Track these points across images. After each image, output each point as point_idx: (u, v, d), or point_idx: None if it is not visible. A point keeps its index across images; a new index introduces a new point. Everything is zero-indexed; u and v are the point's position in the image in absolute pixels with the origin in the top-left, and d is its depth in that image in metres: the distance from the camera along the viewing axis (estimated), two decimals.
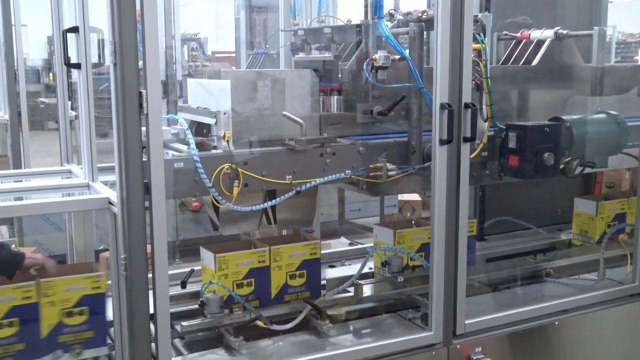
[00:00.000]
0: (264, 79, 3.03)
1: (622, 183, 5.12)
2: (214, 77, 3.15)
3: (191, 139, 2.81)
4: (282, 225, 3.44)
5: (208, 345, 3.12)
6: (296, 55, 3.71)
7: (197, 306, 3.12)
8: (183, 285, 3.22)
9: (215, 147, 2.94)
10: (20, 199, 3.26)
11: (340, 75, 3.32)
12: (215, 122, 2.93)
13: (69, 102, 4.01)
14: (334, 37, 3.53)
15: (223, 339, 3.10)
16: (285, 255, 3.24)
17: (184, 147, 2.89)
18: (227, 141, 2.85)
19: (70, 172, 3.81)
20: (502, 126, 3.31)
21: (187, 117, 3.13)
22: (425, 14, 3.19)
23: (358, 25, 3.30)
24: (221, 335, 3.11)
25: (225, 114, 2.91)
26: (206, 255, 3.17)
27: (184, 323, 3.03)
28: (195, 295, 3.26)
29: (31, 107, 7.57)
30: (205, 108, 3.07)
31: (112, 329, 2.86)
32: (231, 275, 3.12)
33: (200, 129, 3.16)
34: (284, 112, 2.98)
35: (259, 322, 3.08)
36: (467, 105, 3.02)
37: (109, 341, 2.92)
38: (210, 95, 3.10)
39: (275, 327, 3.10)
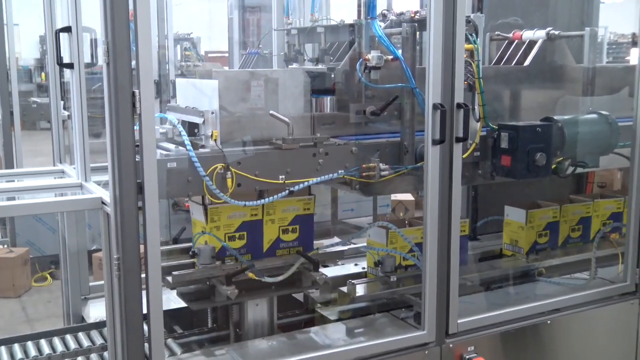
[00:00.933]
0: (256, 78, 3.03)
1: (614, 183, 5.15)
2: (206, 77, 3.15)
3: (186, 139, 2.81)
4: None
5: (201, 297, 3.11)
6: (289, 66, 3.71)
7: (188, 260, 3.10)
8: (175, 241, 3.21)
9: (203, 146, 2.93)
10: (13, 199, 3.25)
11: (333, 76, 3.33)
12: (203, 122, 2.93)
13: (62, 102, 4.00)
14: (326, 37, 3.54)
15: (215, 291, 3.08)
16: (278, 209, 3.20)
17: (172, 146, 2.89)
18: (215, 140, 2.85)
19: (62, 172, 3.81)
20: (494, 126, 3.33)
21: (175, 117, 3.12)
22: (417, 14, 3.21)
23: (351, 25, 3.31)
24: (213, 287, 3.09)
25: (213, 113, 2.91)
26: (196, 208, 3.12)
27: (175, 273, 3.00)
28: (187, 250, 3.21)
29: (23, 106, 7.55)
30: (193, 107, 3.07)
31: (106, 328, 2.85)
32: (223, 227, 3.08)
33: (190, 129, 3.16)
34: (270, 112, 2.98)
35: (251, 275, 3.06)
36: (459, 106, 3.03)
37: None
38: (200, 95, 3.10)
39: (267, 279, 3.09)
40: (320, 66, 3.46)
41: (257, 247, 3.18)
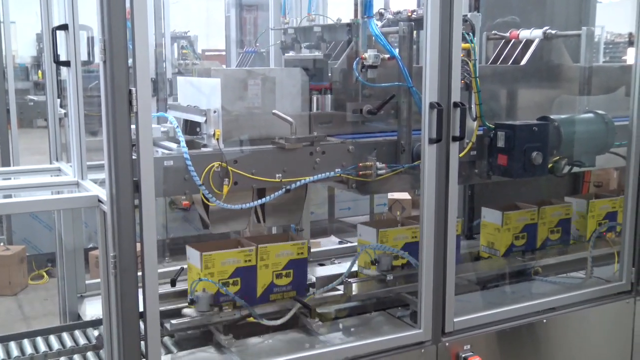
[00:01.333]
0: (254, 77, 3.03)
1: (610, 182, 5.16)
2: (204, 76, 3.15)
3: (181, 137, 2.81)
4: (269, 221, 3.44)
5: (198, 343, 3.13)
6: (286, 54, 3.71)
7: (186, 304, 3.12)
8: (172, 283, 3.22)
9: (205, 146, 2.94)
10: (9, 196, 3.25)
11: (330, 74, 3.33)
12: (205, 121, 2.93)
13: (58, 100, 3.99)
14: (324, 35, 3.54)
15: (212, 337, 3.10)
16: (272, 254, 3.24)
17: (174, 145, 2.89)
18: (217, 139, 2.85)
19: (59, 170, 3.80)
20: (491, 125, 3.33)
21: (177, 115, 3.13)
22: (414, 13, 3.21)
23: (348, 24, 3.31)
24: (210, 333, 3.11)
25: (215, 112, 2.91)
26: (192, 253, 3.16)
27: (174, 321, 3.03)
28: (184, 293, 3.25)
29: (20, 104, 7.54)
30: (195, 106, 3.07)
31: (102, 326, 2.85)
32: (217, 274, 3.11)
33: (191, 127, 3.16)
34: (273, 111, 2.98)
35: (249, 318, 3.08)
36: (456, 105, 3.04)
37: None
38: (201, 94, 3.10)
39: (266, 322, 3.10)
40: (316, 53, 3.46)
41: (251, 292, 3.20)
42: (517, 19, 4.00)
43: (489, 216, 4.04)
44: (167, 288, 3.29)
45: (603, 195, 4.42)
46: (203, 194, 2.81)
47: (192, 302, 3.06)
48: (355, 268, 3.67)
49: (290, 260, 3.28)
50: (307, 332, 3.21)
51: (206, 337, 3.15)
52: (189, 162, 2.74)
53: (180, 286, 3.31)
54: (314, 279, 3.54)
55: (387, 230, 3.55)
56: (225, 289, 3.09)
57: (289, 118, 2.96)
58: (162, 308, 2.84)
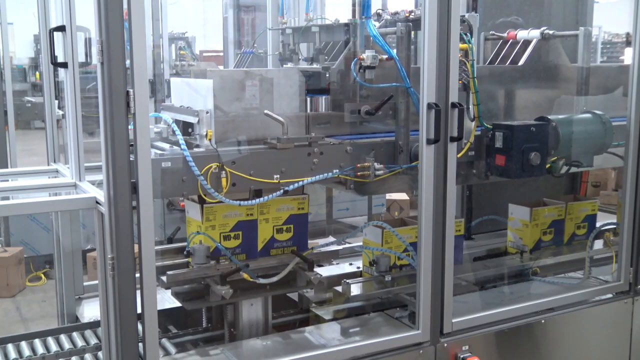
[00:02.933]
0: (251, 78, 3.02)
1: (608, 182, 5.17)
2: (201, 77, 3.15)
3: (180, 138, 2.80)
4: None
5: (195, 296, 3.11)
6: (284, 66, 3.71)
7: (183, 260, 3.10)
8: (169, 240, 3.21)
9: (197, 146, 2.93)
10: (7, 198, 3.24)
11: (327, 75, 3.33)
12: (198, 121, 2.93)
13: (56, 101, 3.99)
14: (321, 36, 3.53)
15: (209, 290, 3.08)
16: (272, 208, 3.21)
17: (166, 146, 2.88)
18: (210, 140, 2.85)
19: (57, 171, 3.80)
20: (488, 126, 3.33)
21: (170, 116, 3.12)
22: (412, 13, 3.21)
23: (346, 25, 3.31)
24: (208, 287, 3.09)
25: (207, 112, 2.91)
26: (192, 206, 3.12)
27: (170, 272, 3.00)
28: (181, 250, 3.21)
29: (17, 106, 7.52)
30: (188, 107, 3.06)
31: (100, 328, 2.85)
32: (218, 226, 3.08)
33: (184, 128, 3.15)
34: (265, 111, 2.97)
35: (245, 275, 3.06)
36: (454, 105, 3.04)
37: None
38: (195, 95, 3.10)
39: (262, 280, 3.10)
40: (315, 65, 3.46)
41: (251, 246, 3.18)
42: (520, 19, 4.01)
43: (516, 212, 4.10)
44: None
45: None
46: (202, 193, 2.81)
47: (188, 255, 3.04)
48: (360, 268, 3.68)
49: (291, 215, 3.26)
50: (306, 333, 3.21)
51: (204, 291, 3.13)
52: (192, 163, 2.74)
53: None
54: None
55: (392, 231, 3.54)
56: (219, 244, 3.05)
57: (280, 118, 2.95)
58: (158, 264, 2.82)
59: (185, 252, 3.07)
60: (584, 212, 4.23)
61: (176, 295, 3.15)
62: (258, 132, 3.03)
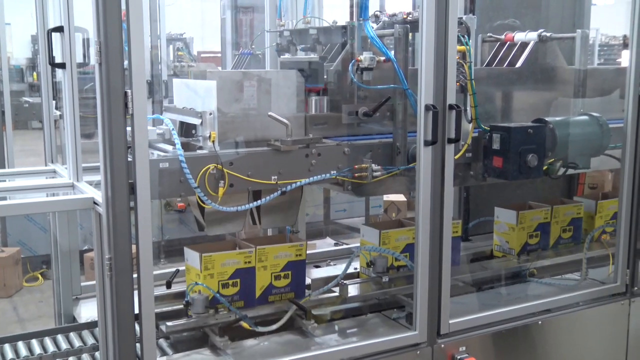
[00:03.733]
0: (249, 79, 3.03)
1: (605, 184, 5.17)
2: (200, 78, 3.15)
3: (176, 139, 2.81)
4: (265, 223, 3.44)
5: (193, 345, 3.13)
6: (282, 56, 3.72)
7: (182, 306, 3.12)
8: (168, 285, 3.22)
9: (200, 148, 2.94)
10: (4, 198, 3.24)
11: (325, 76, 3.33)
12: (201, 123, 2.93)
13: (54, 102, 3.99)
14: (319, 38, 3.54)
15: (208, 339, 3.10)
16: (270, 255, 3.25)
17: (169, 147, 2.89)
18: (213, 142, 2.85)
19: (54, 171, 3.80)
20: (486, 127, 3.34)
21: (172, 118, 3.13)
22: (410, 15, 3.22)
23: (343, 27, 3.31)
24: (206, 335, 3.11)
25: (210, 114, 2.91)
26: (191, 255, 3.17)
27: (169, 323, 3.03)
28: (180, 295, 3.26)
29: (15, 106, 7.51)
30: (191, 108, 3.07)
31: (97, 328, 2.85)
32: (217, 275, 3.12)
33: (187, 130, 3.16)
34: (269, 113, 2.98)
35: (243, 324, 3.09)
36: (451, 107, 3.04)
37: None
38: (196, 96, 3.10)
39: (260, 328, 3.11)
40: (312, 55, 3.46)
41: (249, 293, 3.21)
42: (517, 21, 4.02)
43: (503, 216, 4.09)
44: (162, 290, 3.29)
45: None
46: (198, 196, 2.81)
47: (187, 305, 3.06)
48: (357, 268, 3.68)
49: (289, 261, 3.29)
50: (303, 334, 3.21)
51: (202, 340, 3.14)
52: (184, 165, 2.74)
53: (175, 288, 3.31)
54: (309, 281, 3.54)
55: (389, 232, 3.55)
56: (217, 294, 3.08)
57: (284, 120, 2.96)
58: (157, 310, 2.84)
59: (184, 303, 3.09)
60: (570, 215, 4.22)
61: (172, 345, 3.15)
62: (257, 133, 3.04)
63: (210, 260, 3.10)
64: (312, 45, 3.55)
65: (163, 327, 3.02)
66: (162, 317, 3.08)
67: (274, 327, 3.13)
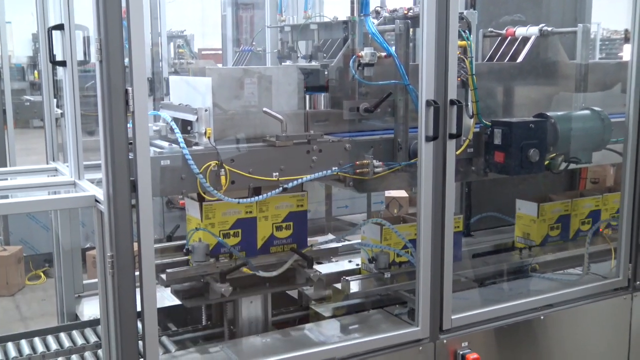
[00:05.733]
0: (249, 76, 3.03)
1: (607, 179, 5.16)
2: (200, 75, 3.15)
3: (179, 137, 2.81)
4: None
5: (195, 294, 3.12)
6: (283, 64, 3.72)
7: (182, 257, 3.09)
8: (168, 239, 3.21)
9: (196, 144, 2.93)
10: (6, 197, 3.24)
11: (326, 73, 3.33)
12: (197, 119, 2.93)
13: (55, 100, 3.99)
14: (320, 34, 3.54)
15: (209, 288, 3.08)
16: (271, 205, 3.21)
17: (165, 144, 2.88)
18: (209, 138, 2.85)
19: (56, 170, 3.80)
20: (487, 123, 3.34)
21: (169, 114, 3.12)
22: (411, 11, 3.21)
23: (344, 22, 3.31)
24: (207, 284, 3.09)
25: (206, 110, 2.91)
26: (192, 205, 3.12)
27: (169, 270, 3.00)
28: (181, 248, 3.20)
29: (16, 104, 7.52)
30: (187, 105, 3.07)
31: (100, 326, 2.85)
32: (217, 224, 3.08)
33: (183, 126, 3.16)
34: (264, 109, 2.98)
35: (245, 269, 3.06)
36: (452, 102, 3.04)
37: None
38: (194, 93, 3.10)
39: (262, 273, 3.10)
40: (313, 63, 3.46)
41: (251, 244, 3.19)
42: (518, 16, 4.01)
43: (524, 208, 4.14)
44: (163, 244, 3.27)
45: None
46: (201, 191, 2.81)
47: (188, 252, 3.05)
48: (359, 265, 3.68)
49: (290, 212, 3.26)
50: (305, 331, 3.22)
51: (203, 289, 3.13)
52: (191, 161, 2.74)
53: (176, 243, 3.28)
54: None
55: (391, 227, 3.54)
56: (219, 238, 3.05)
57: (279, 116, 2.95)
58: (157, 261, 2.82)
59: (184, 250, 3.07)
60: (588, 207, 4.25)
61: (176, 293, 3.15)
62: (257, 129, 3.03)
63: (211, 209, 3.05)
64: (313, 53, 3.54)
65: (163, 276, 3.00)
66: (162, 268, 3.03)
67: (275, 273, 3.12)
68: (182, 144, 2.76)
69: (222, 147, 2.88)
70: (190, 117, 2.98)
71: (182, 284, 3.13)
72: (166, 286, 3.11)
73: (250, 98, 3.02)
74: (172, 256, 3.17)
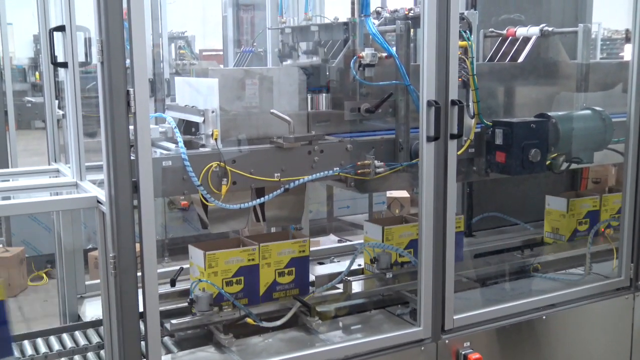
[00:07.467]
0: (251, 77, 3.03)
1: (608, 179, 5.16)
2: (202, 76, 3.16)
3: (179, 137, 2.81)
4: (271, 223, 3.45)
5: (198, 343, 3.13)
6: (284, 62, 3.72)
7: (186, 304, 3.13)
8: (172, 283, 3.23)
9: (203, 145, 2.94)
10: (8, 198, 3.25)
11: (327, 73, 3.33)
12: (204, 121, 2.94)
13: (56, 101, 3.99)
14: (321, 34, 3.54)
15: (213, 337, 3.11)
16: (274, 252, 3.25)
17: (172, 146, 2.89)
18: (216, 139, 2.86)
19: (58, 171, 3.80)
20: (488, 123, 3.34)
21: (175, 116, 3.13)
22: (411, 11, 3.21)
23: (345, 23, 3.31)
24: (211, 333, 3.12)
25: (213, 112, 2.92)
26: (195, 253, 3.17)
27: (174, 321, 3.04)
28: (185, 293, 3.27)
29: (17, 106, 7.54)
30: (193, 106, 3.07)
31: (102, 327, 2.86)
32: (220, 273, 3.13)
33: (189, 128, 3.17)
34: (271, 110, 2.98)
35: (248, 320, 3.09)
36: (453, 102, 3.04)
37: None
38: (199, 94, 3.10)
39: (265, 324, 3.11)
40: (314, 59, 3.46)
41: (253, 291, 3.23)
42: (519, 16, 4.01)
43: (554, 203, 4.22)
44: (166, 288, 3.30)
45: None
46: (202, 194, 2.82)
47: (192, 302, 3.07)
48: (361, 265, 3.68)
49: (292, 258, 3.30)
50: (307, 330, 3.22)
51: (206, 337, 3.15)
52: (187, 163, 2.74)
53: (180, 286, 3.32)
54: (313, 278, 3.55)
55: (393, 228, 3.55)
56: (222, 290, 3.09)
57: (287, 117, 2.96)
58: (162, 308, 2.85)
59: (188, 300, 3.09)
60: (618, 203, 4.24)
61: (177, 343, 3.16)
62: (260, 130, 3.04)
63: (214, 258, 3.10)
64: (314, 49, 3.54)
65: (167, 325, 3.03)
66: (166, 315, 3.09)
67: (278, 323, 3.14)
68: (182, 147, 2.76)
69: (228, 149, 2.88)
70: (197, 119, 2.99)
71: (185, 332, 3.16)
72: (170, 336, 3.15)
73: (253, 99, 3.03)
74: (176, 302, 3.28)
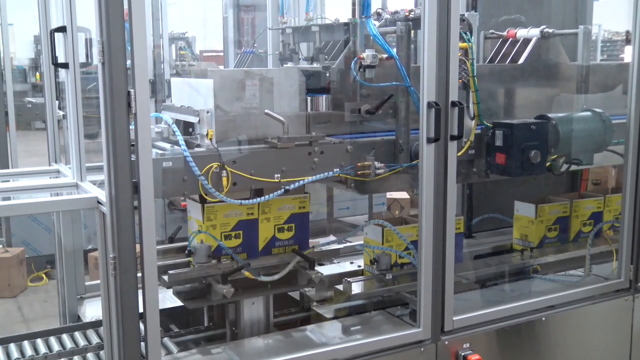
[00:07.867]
0: (251, 78, 3.03)
1: (608, 180, 5.16)
2: (201, 76, 3.15)
3: (180, 138, 2.81)
4: None
5: (197, 295, 3.12)
6: (284, 66, 3.72)
7: (184, 259, 3.10)
8: (171, 240, 3.22)
9: (198, 146, 2.94)
10: (8, 199, 3.25)
11: (328, 75, 3.33)
12: (199, 121, 2.94)
13: (57, 102, 4.00)
14: (321, 36, 3.54)
15: (211, 290, 3.09)
16: (274, 207, 3.21)
17: (167, 146, 2.89)
18: (210, 139, 2.86)
19: (58, 171, 3.81)
20: (488, 124, 3.34)
21: (171, 116, 3.13)
22: (412, 13, 3.21)
23: (346, 24, 3.31)
24: (209, 286, 3.10)
25: (208, 112, 2.92)
26: (194, 206, 3.13)
27: (171, 272, 3.01)
28: (183, 249, 3.21)
29: (18, 106, 7.55)
30: (188, 107, 3.07)
31: (102, 327, 2.86)
32: (219, 226, 3.09)
33: (185, 128, 3.16)
34: (265, 111, 2.98)
35: (247, 274, 3.06)
36: (454, 104, 3.04)
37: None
38: (196, 94, 3.10)
39: (264, 278, 3.10)
40: (315, 65, 3.47)
41: (252, 245, 3.19)
42: (519, 17, 4.01)
43: (523, 209, 4.14)
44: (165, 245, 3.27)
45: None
46: (203, 193, 2.81)
47: (190, 254, 3.05)
48: (361, 266, 3.68)
49: (292, 214, 3.26)
50: (307, 332, 3.22)
51: (205, 290, 3.14)
52: (192, 163, 2.74)
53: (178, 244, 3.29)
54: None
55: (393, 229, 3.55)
56: (220, 242, 3.05)
57: (280, 117, 2.96)
58: (160, 263, 2.83)
59: (186, 252, 3.08)
60: (590, 209, 4.25)
61: (178, 294, 3.16)
62: (258, 131, 3.04)
63: (212, 211, 3.05)
64: (315, 55, 3.55)
65: (165, 277, 3.00)
66: (164, 269, 3.04)
67: (277, 276, 3.13)
68: (183, 146, 2.76)
69: (224, 149, 2.88)
70: (192, 119, 2.99)
71: (184, 286, 3.14)
72: (168, 287, 3.12)
73: (252, 100, 3.03)
74: (174, 258, 3.18)
